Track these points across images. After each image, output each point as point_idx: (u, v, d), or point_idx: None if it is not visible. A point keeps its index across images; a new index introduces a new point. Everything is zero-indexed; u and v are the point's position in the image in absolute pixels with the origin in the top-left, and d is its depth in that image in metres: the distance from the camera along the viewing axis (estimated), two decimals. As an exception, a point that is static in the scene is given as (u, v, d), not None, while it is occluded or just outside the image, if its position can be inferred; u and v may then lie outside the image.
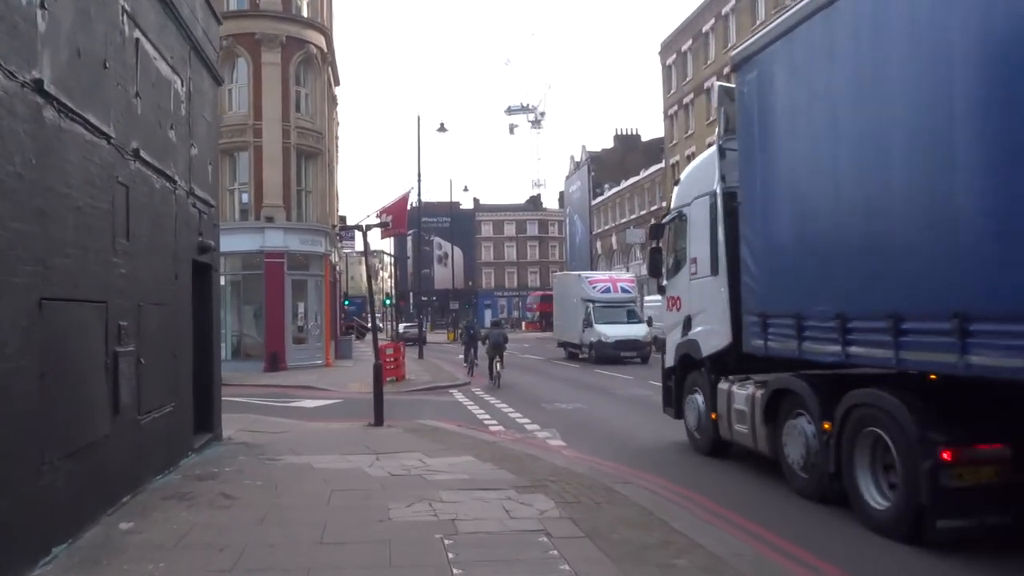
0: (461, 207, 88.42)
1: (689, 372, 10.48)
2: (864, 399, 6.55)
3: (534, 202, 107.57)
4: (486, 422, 14.26)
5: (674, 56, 49.73)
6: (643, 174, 56.87)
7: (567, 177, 77.24)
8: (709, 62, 44.32)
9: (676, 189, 11.36)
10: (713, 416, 9.60)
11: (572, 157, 75.64)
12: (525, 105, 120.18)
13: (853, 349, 6.68)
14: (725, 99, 9.66)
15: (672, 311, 11.07)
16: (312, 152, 29.49)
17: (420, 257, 48.55)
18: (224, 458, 9.44)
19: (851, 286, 6.69)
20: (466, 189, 69.84)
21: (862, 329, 6.57)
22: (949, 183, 5.52)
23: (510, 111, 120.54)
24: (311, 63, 29.32)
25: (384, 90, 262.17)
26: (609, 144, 71.54)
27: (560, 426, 13.29)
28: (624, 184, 60.45)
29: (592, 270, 52.69)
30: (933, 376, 6.10)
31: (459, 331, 37.45)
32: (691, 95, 46.87)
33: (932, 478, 5.69)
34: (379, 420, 12.89)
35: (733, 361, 9.24)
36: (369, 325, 37.79)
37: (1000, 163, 5.08)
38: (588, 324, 28.97)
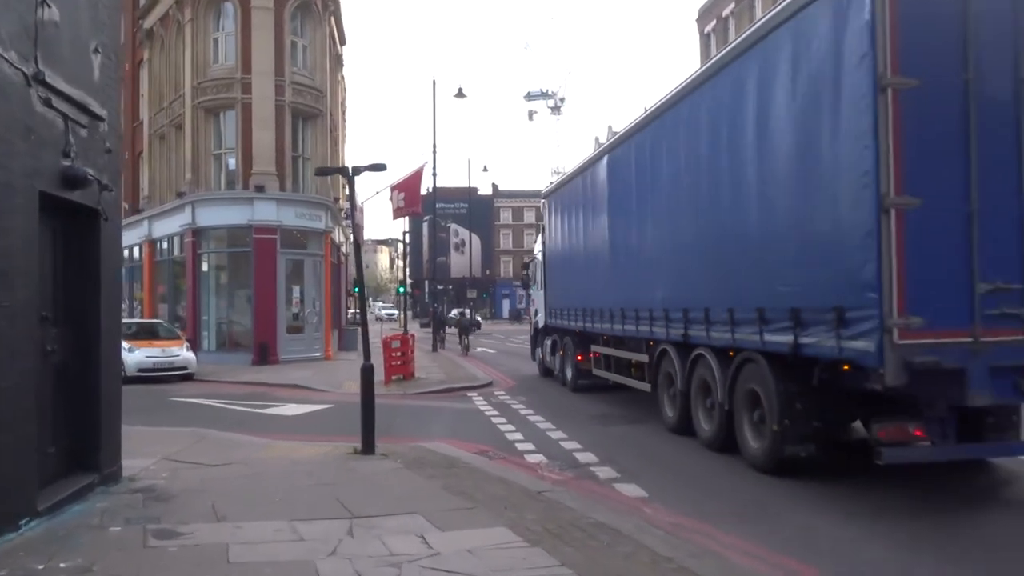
0: (479, 192, 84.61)
1: (538, 337, 19.61)
2: (568, 340, 16.45)
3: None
4: (519, 446, 10.34)
5: (714, 22, 45.29)
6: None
7: (592, 160, 72.93)
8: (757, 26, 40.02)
9: (535, 245, 20.96)
10: (541, 356, 19.26)
11: (596, 139, 71.09)
12: (545, 91, 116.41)
13: (569, 323, 15.90)
14: (544, 205, 19.03)
15: (533, 307, 20.71)
16: (311, 113, 25.57)
17: (436, 244, 44.45)
18: (82, 532, 5.54)
19: (566, 300, 16.21)
20: (485, 170, 65.54)
21: (569, 314, 15.89)
22: (598, 263, 13.78)
23: (529, 97, 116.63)
24: (310, 10, 25.39)
25: (395, 70, 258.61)
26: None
27: (624, 456, 9.37)
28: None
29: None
30: (578, 331, 15.37)
31: (428, 318, 47.01)
32: (734, 65, 42.53)
33: (575, 366, 15.77)
34: (368, 446, 8.99)
35: (553, 330, 17.76)
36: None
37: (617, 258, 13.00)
38: None
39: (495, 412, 13.78)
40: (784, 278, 7.55)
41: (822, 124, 6.92)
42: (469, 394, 16.83)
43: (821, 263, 6.92)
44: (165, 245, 27.22)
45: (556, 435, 11.13)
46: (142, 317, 27.09)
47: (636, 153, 11.85)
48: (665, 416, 10.98)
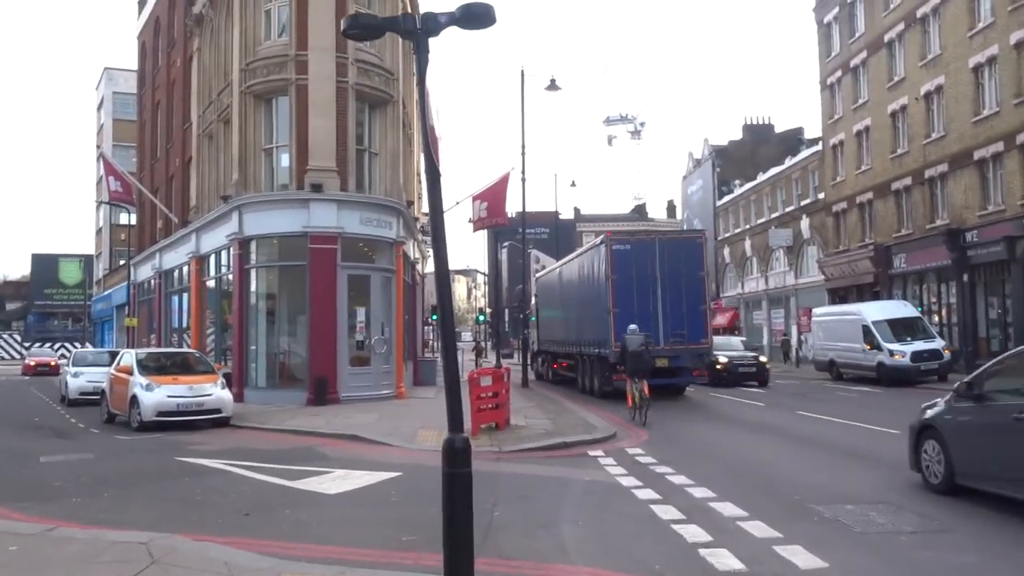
0: (560, 217, 79.94)
1: (534, 356, 32.90)
2: (548, 356, 31.36)
3: (639, 211, 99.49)
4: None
5: (835, 10, 39.58)
6: (789, 162, 46.64)
7: (684, 177, 67.23)
8: (892, 7, 34.23)
9: (532, 301, 35.55)
10: (536, 368, 32.55)
11: (691, 154, 65.68)
12: (624, 115, 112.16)
13: (548, 347, 30.79)
14: (535, 283, 36.50)
15: (531, 337, 32.74)
16: (380, 99, 21.24)
17: (522, 269, 39.39)
18: None
19: (546, 335, 30.72)
20: (574, 184, 59.51)
21: (547, 343, 30.71)
22: (577, 319, 24.65)
23: (608, 122, 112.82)
24: (378, -24, 21.21)
25: (474, 82, 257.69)
26: (732, 139, 61.27)
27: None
28: (761, 178, 50.24)
29: (719, 280, 55.06)
30: (551, 352, 30.50)
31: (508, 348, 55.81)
32: (863, 54, 36.58)
33: (552, 370, 30.43)
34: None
35: (540, 352, 32.57)
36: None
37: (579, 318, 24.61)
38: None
39: (649, 491, 8.72)
40: (594, 331, 21.43)
41: (596, 285, 21.40)
42: (591, 452, 11.85)
43: (599, 328, 20.84)
44: (212, 262, 23.25)
45: (790, 554, 6.02)
46: (188, 347, 23.08)
47: (560, 273, 27.39)
48: (578, 385, 23.96)
